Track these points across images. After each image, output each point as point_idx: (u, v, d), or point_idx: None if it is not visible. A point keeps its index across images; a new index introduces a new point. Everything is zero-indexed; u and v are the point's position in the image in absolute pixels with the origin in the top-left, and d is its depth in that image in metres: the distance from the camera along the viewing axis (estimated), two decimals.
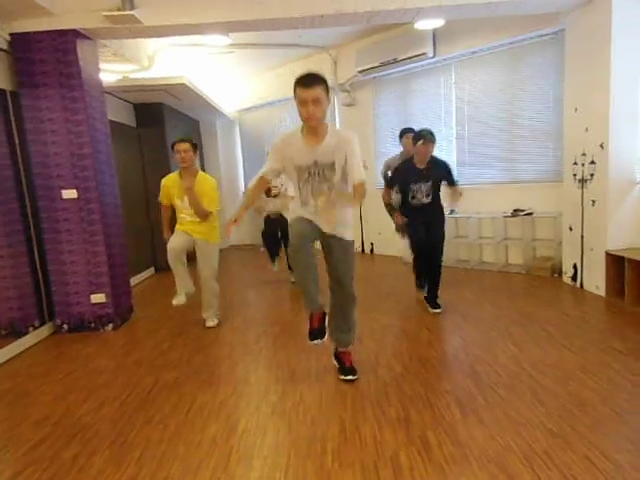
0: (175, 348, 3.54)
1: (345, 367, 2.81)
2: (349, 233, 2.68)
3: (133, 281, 5.37)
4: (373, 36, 6.14)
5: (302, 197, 2.59)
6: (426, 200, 3.83)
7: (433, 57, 5.66)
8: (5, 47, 3.68)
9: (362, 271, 5.87)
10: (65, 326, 4.06)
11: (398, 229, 5.08)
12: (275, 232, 5.28)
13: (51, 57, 3.72)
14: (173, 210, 3.94)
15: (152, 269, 6.68)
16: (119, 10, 3.54)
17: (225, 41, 5.38)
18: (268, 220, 5.26)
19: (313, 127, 2.42)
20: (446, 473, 1.87)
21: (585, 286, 4.38)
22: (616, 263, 3.96)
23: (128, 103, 6.34)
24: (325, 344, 2.72)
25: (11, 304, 3.90)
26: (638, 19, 3.78)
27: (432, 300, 3.99)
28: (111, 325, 4.07)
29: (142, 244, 6.38)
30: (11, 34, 3.68)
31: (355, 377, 2.76)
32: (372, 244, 6.97)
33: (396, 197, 4.10)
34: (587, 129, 4.12)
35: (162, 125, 6.51)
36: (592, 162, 4.09)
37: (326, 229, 2.58)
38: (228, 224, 2.74)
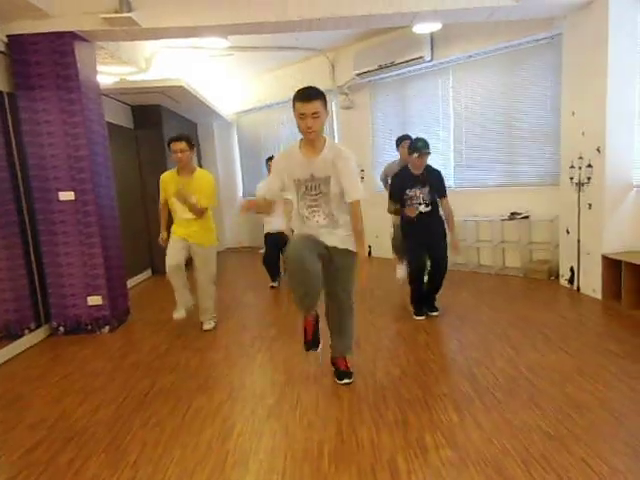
0: (172, 351, 3.53)
1: (340, 371, 2.80)
2: (353, 243, 2.63)
3: (130, 283, 5.35)
4: (371, 39, 6.16)
5: (300, 212, 2.59)
6: (425, 209, 3.74)
7: (431, 61, 5.68)
8: (2, 49, 3.67)
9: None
10: (61, 328, 4.04)
11: (395, 249, 5.10)
12: (275, 254, 5.28)
13: (48, 59, 3.72)
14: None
15: (149, 271, 6.66)
16: (116, 12, 3.54)
17: (224, 44, 5.39)
18: (268, 239, 5.25)
19: (311, 140, 2.47)
20: (443, 476, 1.87)
21: (582, 289, 4.39)
22: (613, 266, 3.97)
23: (126, 105, 6.34)
24: (324, 347, 2.72)
25: (7, 306, 3.88)
26: (634, 23, 3.81)
27: (430, 303, 3.99)
28: (107, 327, 4.06)
29: (139, 246, 6.36)
30: (8, 36, 3.67)
31: (350, 380, 2.75)
32: (370, 247, 6.97)
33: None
34: (584, 133, 4.13)
35: (160, 127, 6.51)
36: (589, 166, 4.11)
37: (329, 242, 2.57)
38: (246, 201, 2.71)
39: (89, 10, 3.61)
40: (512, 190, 5.41)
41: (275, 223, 5.05)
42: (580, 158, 4.20)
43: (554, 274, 4.91)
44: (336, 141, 6.60)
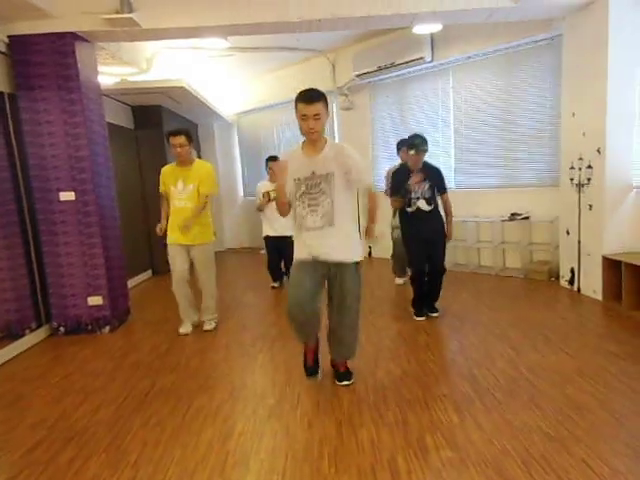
0: (172, 351, 3.53)
1: (340, 372, 2.79)
2: (358, 252, 2.63)
3: (130, 283, 5.35)
4: (371, 40, 6.16)
5: (298, 216, 2.58)
6: (425, 207, 3.75)
7: (431, 62, 5.68)
8: (3, 49, 3.68)
9: None
10: (62, 328, 4.04)
11: (395, 267, 5.12)
12: (276, 258, 5.28)
13: (49, 59, 3.72)
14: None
15: (149, 272, 6.66)
16: (117, 13, 3.55)
17: (224, 44, 5.40)
18: (268, 243, 5.24)
19: (313, 141, 2.51)
20: (444, 477, 1.87)
21: (582, 290, 4.39)
22: (613, 267, 3.97)
23: (126, 105, 6.34)
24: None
25: (8, 306, 3.88)
26: (634, 25, 3.80)
27: (430, 304, 3.98)
28: (108, 327, 4.06)
29: (139, 247, 6.36)
30: (9, 36, 3.68)
31: (350, 382, 2.75)
32: (370, 247, 6.98)
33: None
34: (584, 134, 4.13)
35: (160, 128, 6.51)
36: (589, 167, 4.11)
37: (331, 256, 2.54)
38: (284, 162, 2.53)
39: (90, 11, 3.61)
40: (512, 191, 5.41)
41: (276, 226, 5.04)
42: (580, 159, 4.20)
43: (554, 275, 4.91)
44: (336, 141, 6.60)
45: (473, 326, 3.66)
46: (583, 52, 4.09)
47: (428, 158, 3.82)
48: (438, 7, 3.69)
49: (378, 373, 2.89)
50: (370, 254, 7.00)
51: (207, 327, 3.96)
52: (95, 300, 4.01)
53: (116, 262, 4.24)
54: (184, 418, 2.48)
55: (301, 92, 2.46)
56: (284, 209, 2.61)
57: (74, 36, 3.72)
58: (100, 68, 4.37)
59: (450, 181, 5.68)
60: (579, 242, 4.34)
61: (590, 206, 4.16)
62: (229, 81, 8.10)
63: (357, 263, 2.61)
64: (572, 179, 4.32)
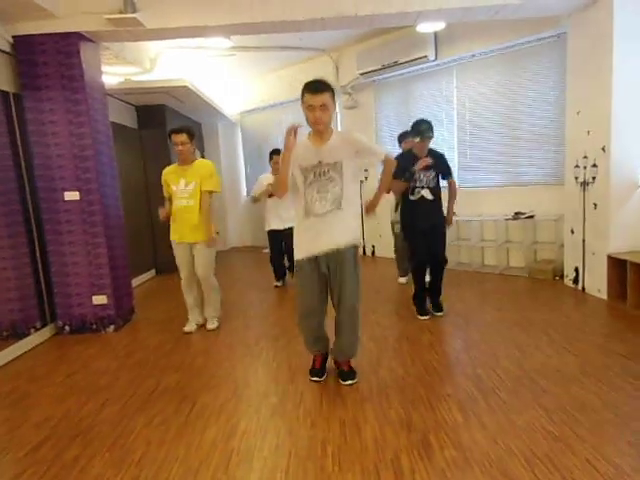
0: (176, 350, 3.54)
1: (343, 371, 2.79)
2: (356, 236, 2.68)
3: (134, 283, 5.38)
4: (375, 39, 6.15)
5: (307, 202, 2.58)
6: (428, 196, 3.73)
7: (435, 60, 5.67)
8: (8, 49, 3.70)
9: (363, 274, 5.85)
10: (67, 327, 4.06)
11: (398, 263, 5.11)
12: (279, 253, 5.25)
13: (54, 59, 3.74)
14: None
15: (153, 271, 6.68)
16: (121, 13, 3.56)
17: (227, 44, 5.40)
18: (273, 235, 5.19)
19: (320, 132, 2.53)
20: (447, 476, 1.87)
21: (587, 289, 4.37)
22: (618, 266, 3.95)
23: (130, 105, 6.36)
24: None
25: (13, 305, 3.91)
26: None
27: (434, 303, 3.97)
28: (112, 327, 4.08)
29: (143, 246, 6.39)
30: (14, 36, 3.70)
31: (354, 381, 2.75)
32: (373, 247, 6.97)
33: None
34: (589, 132, 4.12)
35: (164, 127, 6.51)
36: (594, 165, 4.09)
37: (334, 242, 2.57)
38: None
39: (94, 11, 3.62)
40: (516, 190, 5.39)
41: (284, 217, 4.95)
42: (585, 157, 4.18)
43: (559, 274, 4.89)
44: None
45: (477, 325, 3.65)
46: (588, 50, 4.07)
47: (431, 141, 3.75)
48: (444, 5, 3.68)
49: (382, 372, 2.89)
50: (374, 253, 6.99)
51: (210, 326, 3.96)
52: (100, 299, 4.03)
53: (120, 261, 4.26)
54: (188, 417, 2.49)
55: (307, 82, 2.46)
56: (283, 186, 2.53)
57: (78, 36, 3.73)
58: (104, 68, 4.38)
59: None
60: (584, 241, 4.32)
61: (595, 205, 4.14)
62: (232, 80, 8.11)
63: (355, 249, 2.66)
64: (577, 177, 4.30)
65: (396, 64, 5.81)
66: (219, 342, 3.68)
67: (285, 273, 5.41)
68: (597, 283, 4.20)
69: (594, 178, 4.11)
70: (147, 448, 2.21)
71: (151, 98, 6.12)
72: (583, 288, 4.42)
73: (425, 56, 5.56)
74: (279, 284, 5.40)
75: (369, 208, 2.85)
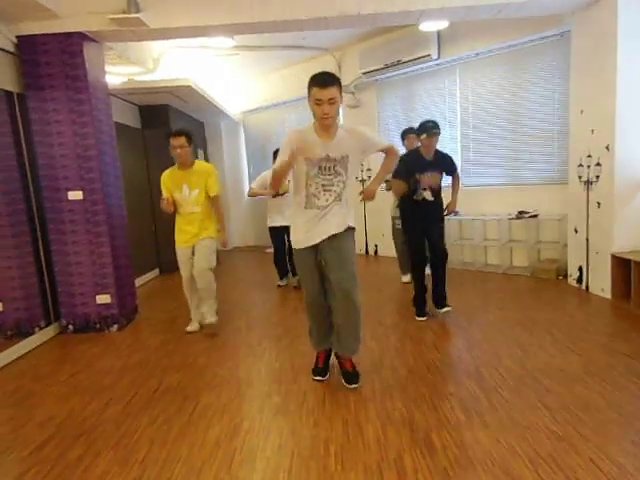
0: (179, 349, 3.55)
1: (348, 372, 2.74)
2: (351, 219, 2.67)
3: (138, 282, 5.39)
4: (377, 38, 6.14)
5: (309, 194, 2.57)
6: (429, 197, 3.72)
7: (437, 59, 5.66)
8: (12, 49, 3.71)
9: (365, 273, 5.87)
10: (70, 327, 4.08)
11: (400, 262, 5.12)
12: (281, 250, 5.26)
13: (57, 59, 3.75)
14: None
15: (156, 270, 6.70)
16: (124, 13, 3.56)
17: (230, 43, 5.41)
18: (276, 232, 5.19)
19: (327, 126, 2.48)
20: (450, 476, 1.87)
21: (591, 289, 4.36)
22: (622, 265, 3.93)
23: (133, 105, 6.38)
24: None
25: (17, 305, 3.93)
26: None
27: (439, 299, 3.88)
28: (116, 326, 4.09)
29: (147, 245, 6.40)
30: (18, 36, 3.71)
31: (359, 384, 2.69)
32: (376, 246, 6.97)
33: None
34: (593, 131, 4.10)
35: (167, 127, 6.52)
36: (598, 164, 4.07)
37: (332, 229, 2.57)
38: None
39: (97, 11, 3.63)
40: (520, 189, 5.38)
41: (287, 214, 4.94)
42: (589, 156, 4.16)
43: (562, 273, 4.88)
44: None
45: (480, 324, 3.65)
46: (592, 48, 4.05)
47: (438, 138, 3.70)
48: (447, 3, 3.67)
49: (384, 371, 2.89)
50: (376, 252, 6.99)
51: (209, 320, 3.81)
52: (103, 298, 4.04)
53: (124, 261, 4.27)
54: (191, 416, 2.49)
55: (315, 76, 2.41)
56: (281, 180, 2.54)
57: (82, 36, 3.75)
58: (107, 68, 4.40)
59: None
60: (587, 240, 4.30)
61: (599, 204, 4.12)
62: (235, 80, 8.12)
63: (352, 230, 2.66)
64: (580, 177, 4.29)
65: (399, 63, 5.81)
66: (222, 341, 3.68)
67: (288, 271, 5.40)
68: (601, 282, 4.18)
69: (598, 177, 4.09)
70: (150, 447, 2.22)
71: (154, 98, 6.14)
72: (587, 287, 4.40)
73: (428, 55, 5.55)
74: (282, 283, 5.39)
75: (367, 195, 2.76)
